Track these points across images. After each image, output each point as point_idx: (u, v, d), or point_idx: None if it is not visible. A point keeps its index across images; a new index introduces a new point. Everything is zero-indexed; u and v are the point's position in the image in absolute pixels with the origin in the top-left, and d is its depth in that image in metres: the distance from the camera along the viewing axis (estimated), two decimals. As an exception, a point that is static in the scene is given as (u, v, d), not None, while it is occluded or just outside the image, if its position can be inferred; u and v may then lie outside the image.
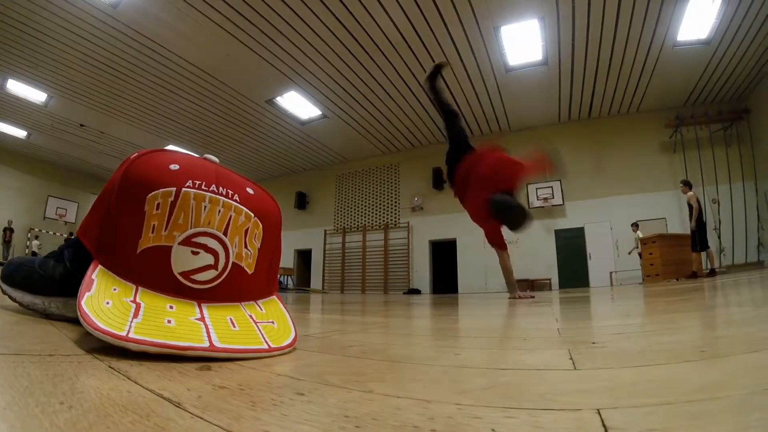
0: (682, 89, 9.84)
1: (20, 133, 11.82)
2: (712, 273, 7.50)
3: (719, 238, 9.60)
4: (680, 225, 9.85)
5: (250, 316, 0.63)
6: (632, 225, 9.56)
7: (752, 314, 1.03)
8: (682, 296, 2.16)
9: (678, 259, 7.45)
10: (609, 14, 7.33)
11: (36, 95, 9.82)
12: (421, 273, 12.39)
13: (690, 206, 7.78)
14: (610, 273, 10.05)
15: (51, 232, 13.95)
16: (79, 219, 14.81)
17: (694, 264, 7.64)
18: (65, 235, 14.22)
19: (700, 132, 10.20)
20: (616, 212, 10.43)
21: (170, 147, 8.62)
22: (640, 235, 9.07)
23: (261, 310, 0.67)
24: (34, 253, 12.90)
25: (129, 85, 9.47)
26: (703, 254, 7.90)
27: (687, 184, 7.98)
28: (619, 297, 2.84)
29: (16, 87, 9.47)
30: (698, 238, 7.63)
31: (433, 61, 8.62)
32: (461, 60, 8.62)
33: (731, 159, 9.95)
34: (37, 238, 13.78)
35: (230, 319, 0.60)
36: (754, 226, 9.49)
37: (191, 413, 0.31)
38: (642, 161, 10.62)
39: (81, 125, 11.28)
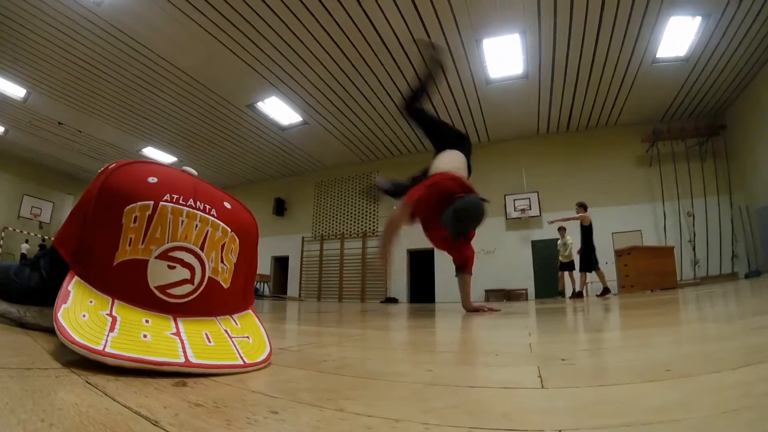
0: (660, 105, 10.06)
1: (-2, 129, 11.52)
2: (606, 291, 7.86)
3: (693, 250, 9.81)
4: (655, 237, 10.05)
5: (226, 331, 0.63)
6: (559, 230, 9.39)
7: (722, 330, 1.06)
8: (653, 309, 2.19)
9: (653, 270, 7.57)
10: (590, 30, 7.47)
11: (15, 90, 9.59)
12: (399, 282, 12.36)
13: (584, 228, 8.22)
14: (586, 284, 10.17)
15: (25, 232, 13.58)
16: (54, 220, 14.51)
17: (580, 283, 8.22)
18: (39, 236, 13.87)
19: (676, 146, 10.44)
20: (593, 224, 10.58)
21: (148, 149, 8.57)
22: (569, 241, 9.09)
23: (236, 324, 0.67)
24: (23, 256, 12.58)
25: (109, 84, 9.33)
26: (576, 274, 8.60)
27: (582, 206, 8.34)
28: (592, 309, 2.88)
29: (-5, 81, 9.23)
30: (586, 259, 8.09)
31: (416, 73, 8.77)
32: (443, 71, 8.68)
33: (707, 173, 10.19)
34: (27, 242, 13.47)
35: (206, 334, 0.60)
36: (729, 239, 9.71)
37: (168, 432, 0.32)
38: (618, 174, 10.83)
39: (59, 123, 11.06)
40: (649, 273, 7.56)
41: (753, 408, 0.37)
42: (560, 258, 9.21)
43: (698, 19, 7.16)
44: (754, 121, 8.95)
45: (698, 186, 10.16)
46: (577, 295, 8.08)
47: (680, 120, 10.63)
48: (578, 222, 8.33)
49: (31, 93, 9.71)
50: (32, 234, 13.79)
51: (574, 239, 8.72)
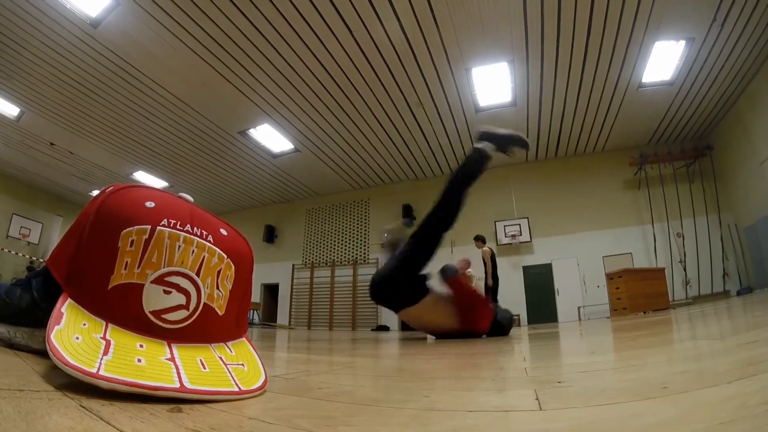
0: (646, 129, 10.23)
1: (-11, 147, 11.41)
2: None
3: (685, 270, 9.86)
4: (646, 259, 10.10)
5: (220, 358, 0.63)
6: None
7: (716, 347, 1.06)
8: (646, 330, 2.19)
9: (645, 292, 7.59)
10: (576, 58, 7.63)
11: (9, 109, 9.56)
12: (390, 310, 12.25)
13: (485, 262, 8.30)
14: (578, 308, 10.17)
15: (13, 252, 13.36)
16: (43, 241, 14.31)
17: None
18: (27, 256, 13.67)
19: (663, 169, 10.59)
20: (583, 248, 10.65)
21: (139, 173, 8.54)
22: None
23: (231, 352, 0.67)
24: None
25: (101, 107, 9.35)
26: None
27: (481, 240, 8.47)
28: (586, 332, 2.87)
29: (-12, 98, 9.20)
30: (493, 292, 8.20)
31: (406, 102, 8.87)
32: (433, 99, 8.82)
33: (695, 194, 10.33)
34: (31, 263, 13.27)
35: (200, 360, 0.59)
36: (719, 257, 9.79)
37: (166, 459, 0.31)
38: (607, 198, 10.94)
39: (51, 144, 11.02)
40: (640, 295, 7.59)
41: (749, 418, 0.37)
42: None
43: (682, 43, 7.34)
44: (739, 141, 9.14)
45: (687, 207, 10.28)
46: None
47: (667, 143, 10.81)
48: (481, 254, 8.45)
49: (25, 112, 9.68)
50: (20, 254, 13.56)
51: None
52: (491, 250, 8.45)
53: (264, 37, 7.21)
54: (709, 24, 6.92)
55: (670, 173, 10.59)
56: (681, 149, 10.52)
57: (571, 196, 11.26)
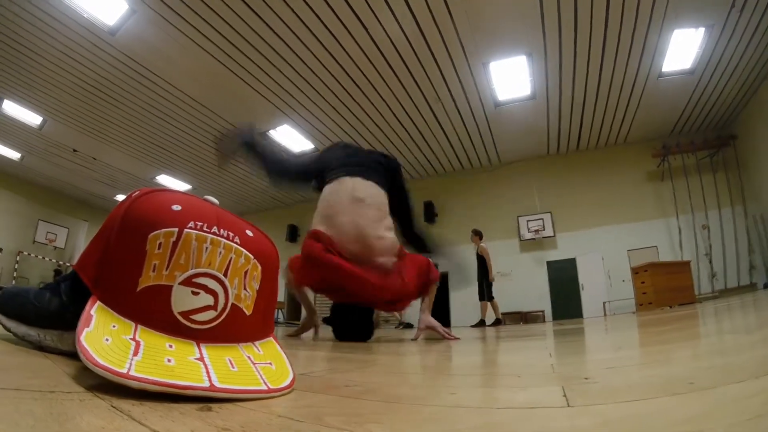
0: (668, 119, 10.03)
1: (14, 155, 11.68)
2: (498, 322, 7.97)
3: (710, 263, 9.65)
4: (671, 252, 9.91)
5: (249, 357, 0.64)
6: None
7: (742, 341, 1.04)
8: (672, 325, 2.16)
9: (671, 286, 7.45)
10: (594, 50, 7.51)
11: (31, 117, 9.77)
12: (413, 307, 12.21)
13: (480, 257, 8.18)
14: (603, 303, 10.03)
15: (40, 257, 13.67)
16: (69, 245, 14.60)
17: (484, 312, 8.10)
18: (54, 260, 13.98)
19: (687, 160, 10.37)
20: (607, 242, 10.49)
21: (162, 176, 8.64)
22: None
23: (259, 351, 0.68)
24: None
25: (122, 112, 9.50)
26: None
27: (478, 234, 8.35)
28: (611, 328, 2.84)
29: (12, 108, 9.40)
30: (489, 288, 8.14)
31: (425, 98, 8.84)
32: (451, 95, 8.77)
33: (719, 185, 10.10)
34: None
35: (229, 359, 0.60)
36: (745, 250, 9.55)
37: (200, 457, 0.32)
38: (631, 191, 10.76)
39: (74, 150, 11.24)
40: (666, 289, 7.45)
41: (778, 412, 0.37)
42: None
43: (701, 30, 7.18)
44: (763, 129, 8.88)
45: (711, 198, 10.06)
46: (479, 323, 7.94)
47: (689, 133, 10.58)
48: (477, 249, 8.36)
49: (47, 120, 9.89)
50: (47, 259, 13.89)
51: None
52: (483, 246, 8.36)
53: (279, 37, 7.24)
54: (728, 10, 6.74)
55: (693, 164, 10.35)
56: (704, 139, 10.28)
57: (594, 190, 11.08)
